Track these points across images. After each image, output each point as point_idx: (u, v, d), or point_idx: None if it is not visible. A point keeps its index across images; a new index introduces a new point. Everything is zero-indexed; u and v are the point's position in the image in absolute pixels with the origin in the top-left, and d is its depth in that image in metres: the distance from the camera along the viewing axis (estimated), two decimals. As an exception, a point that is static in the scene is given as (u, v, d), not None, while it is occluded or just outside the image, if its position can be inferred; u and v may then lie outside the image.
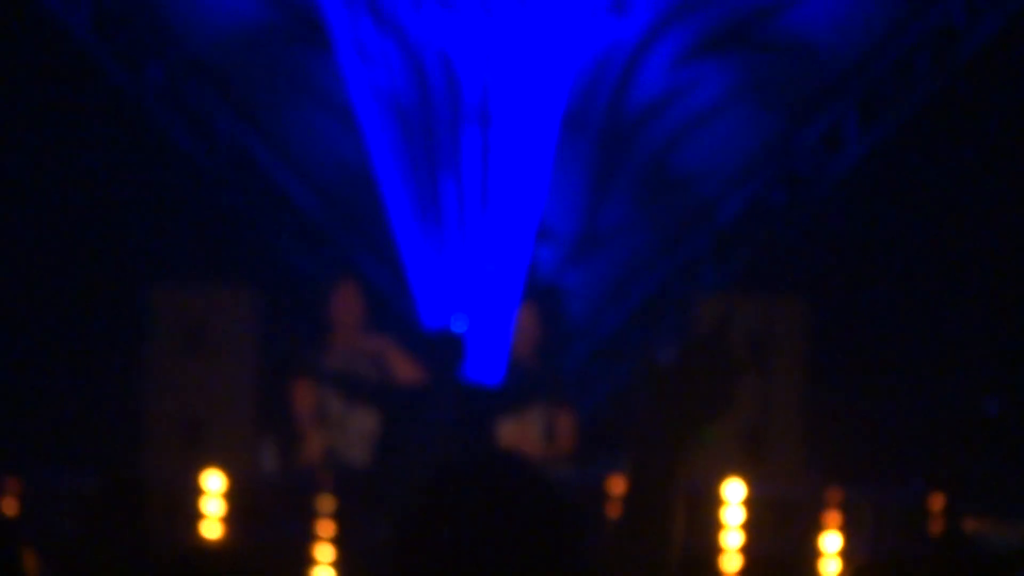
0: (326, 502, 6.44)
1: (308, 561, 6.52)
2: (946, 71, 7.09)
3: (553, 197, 7.43)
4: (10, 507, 6.22)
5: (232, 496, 6.34)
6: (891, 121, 7.33)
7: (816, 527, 6.33)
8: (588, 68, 7.23)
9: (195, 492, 6.25)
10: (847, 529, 6.28)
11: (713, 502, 6.34)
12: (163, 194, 7.24)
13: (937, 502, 6.39)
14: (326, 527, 6.46)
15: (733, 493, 6.20)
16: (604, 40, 7.19)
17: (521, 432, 6.46)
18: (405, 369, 6.61)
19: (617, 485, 6.16)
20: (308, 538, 6.52)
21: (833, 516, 6.30)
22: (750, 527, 6.27)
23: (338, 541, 6.49)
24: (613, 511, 6.16)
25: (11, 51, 6.78)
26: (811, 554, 6.36)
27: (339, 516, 6.53)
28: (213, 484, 6.24)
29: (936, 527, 6.39)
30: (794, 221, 7.69)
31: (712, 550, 6.39)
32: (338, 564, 6.57)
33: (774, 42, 7.01)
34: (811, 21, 7.01)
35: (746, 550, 6.30)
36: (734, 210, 7.64)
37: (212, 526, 6.43)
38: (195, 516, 6.24)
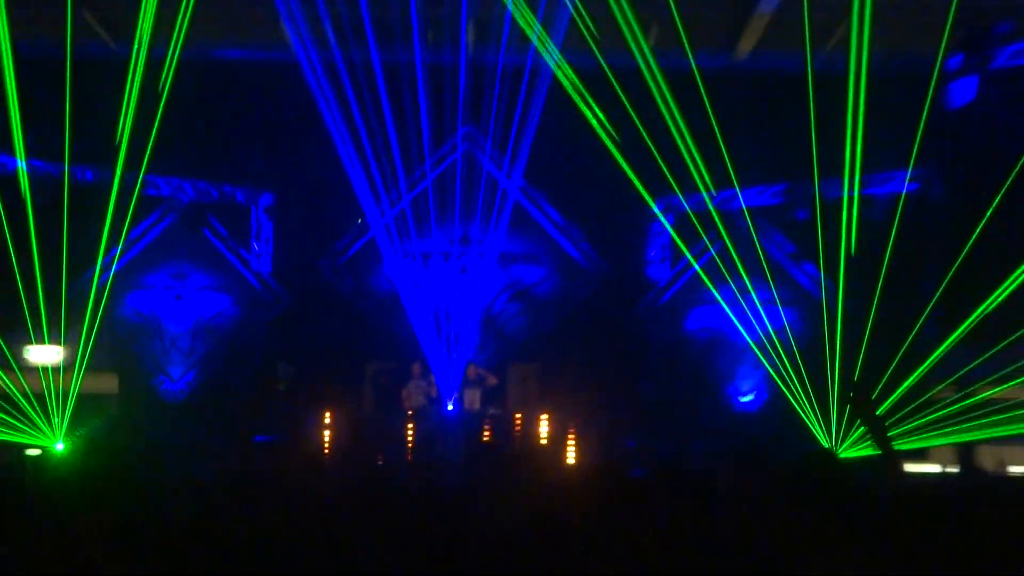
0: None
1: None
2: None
3: (481, 330, 19.72)
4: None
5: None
6: (563, 316, 20.88)
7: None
8: (492, 293, 20.28)
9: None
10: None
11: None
12: (366, 333, 19.60)
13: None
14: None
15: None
16: (502, 279, 20.32)
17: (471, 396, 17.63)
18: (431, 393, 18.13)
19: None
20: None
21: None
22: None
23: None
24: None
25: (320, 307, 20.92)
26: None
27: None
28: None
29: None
30: (533, 341, 19.81)
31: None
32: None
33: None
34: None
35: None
36: (523, 339, 20.33)
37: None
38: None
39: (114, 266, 17.78)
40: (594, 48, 16.31)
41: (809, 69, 15.69)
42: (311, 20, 17.14)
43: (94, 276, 17.25)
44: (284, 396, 18.88)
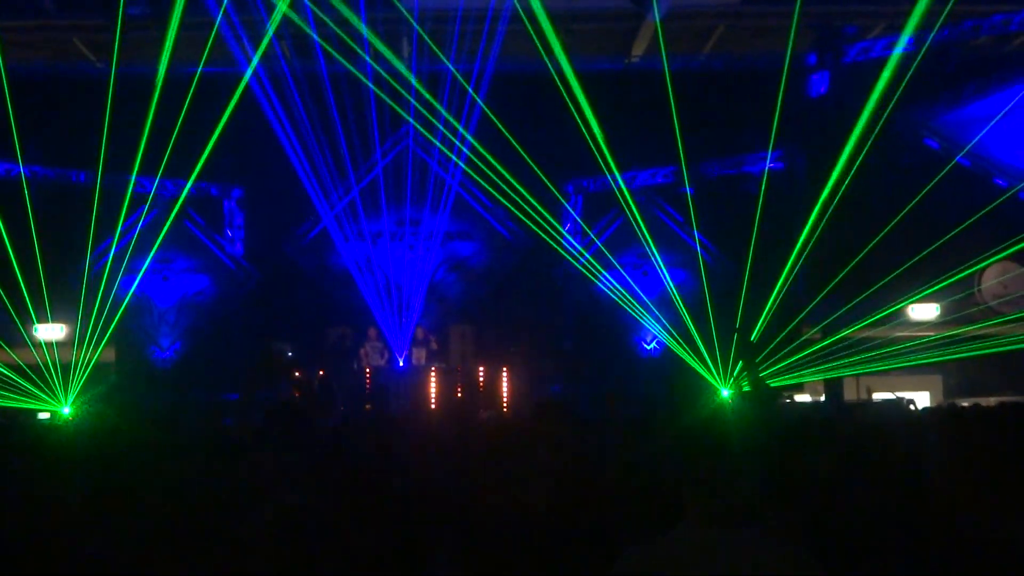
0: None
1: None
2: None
3: (425, 297, 21.22)
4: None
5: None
6: (493, 283, 21.58)
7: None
8: (433, 264, 21.79)
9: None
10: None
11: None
12: (327, 304, 21.64)
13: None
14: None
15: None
16: (441, 254, 21.85)
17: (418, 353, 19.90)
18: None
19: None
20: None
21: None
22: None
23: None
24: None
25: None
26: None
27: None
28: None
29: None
30: (470, 305, 21.31)
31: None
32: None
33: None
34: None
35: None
36: (461, 304, 21.91)
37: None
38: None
39: (113, 253, 18.40)
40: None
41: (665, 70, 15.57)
42: (265, 39, 17.42)
43: (106, 263, 18.34)
44: (285, 367, 19.14)
